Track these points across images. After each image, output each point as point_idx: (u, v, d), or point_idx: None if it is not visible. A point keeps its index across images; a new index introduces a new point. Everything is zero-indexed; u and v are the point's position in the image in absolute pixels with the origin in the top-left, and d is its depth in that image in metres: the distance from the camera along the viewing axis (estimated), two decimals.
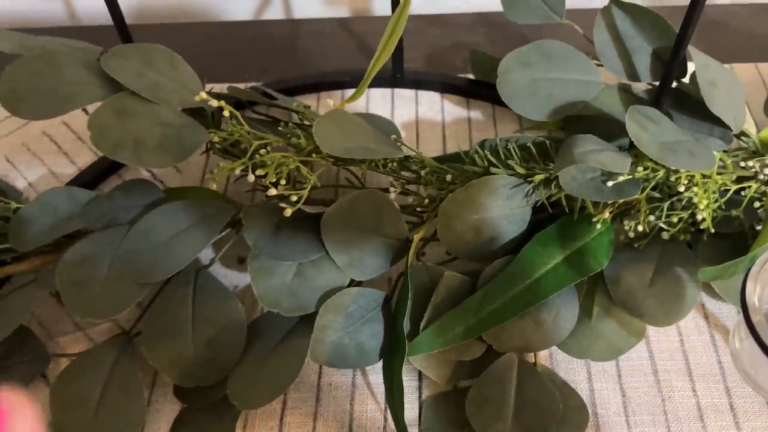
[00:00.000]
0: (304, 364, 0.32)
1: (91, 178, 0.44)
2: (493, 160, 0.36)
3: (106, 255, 0.34)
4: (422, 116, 0.48)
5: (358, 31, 0.55)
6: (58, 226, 0.37)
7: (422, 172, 0.36)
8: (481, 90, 0.49)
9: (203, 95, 0.33)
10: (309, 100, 0.50)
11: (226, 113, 0.33)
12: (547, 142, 0.37)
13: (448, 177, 0.37)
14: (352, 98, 0.37)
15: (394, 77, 0.49)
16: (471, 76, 0.50)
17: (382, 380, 0.36)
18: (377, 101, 0.49)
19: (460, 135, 0.47)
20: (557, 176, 0.34)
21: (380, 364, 0.35)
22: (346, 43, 0.54)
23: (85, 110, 0.50)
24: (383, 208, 0.34)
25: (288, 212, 0.32)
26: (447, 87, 0.50)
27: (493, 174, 0.35)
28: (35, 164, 0.46)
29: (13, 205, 0.38)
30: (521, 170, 0.35)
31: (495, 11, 0.56)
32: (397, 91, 0.50)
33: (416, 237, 0.35)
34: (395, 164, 0.37)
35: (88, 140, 0.47)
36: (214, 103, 0.33)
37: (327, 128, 0.33)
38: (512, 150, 0.36)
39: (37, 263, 0.38)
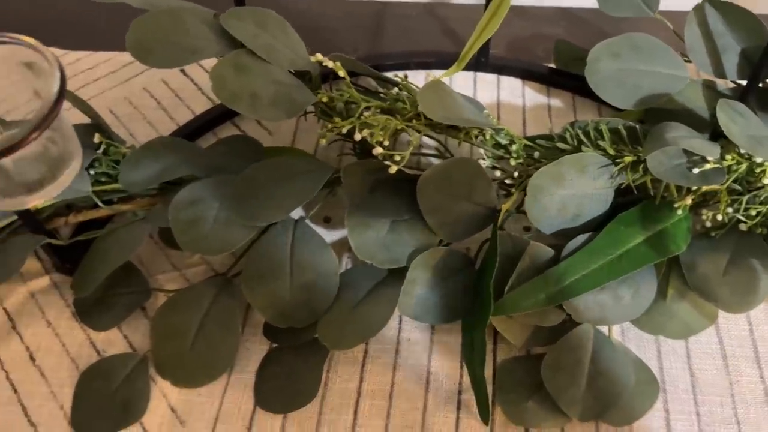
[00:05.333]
0: (393, 312, 0.34)
1: (188, 132, 0.47)
2: (584, 139, 0.37)
3: (215, 199, 0.37)
4: (504, 100, 0.50)
5: (442, 15, 0.57)
6: (165, 171, 0.40)
7: (512, 147, 0.38)
8: (562, 79, 0.51)
9: (320, 57, 0.36)
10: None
11: (341, 74, 0.35)
12: (638, 127, 0.38)
13: (536, 154, 0.38)
14: (449, 73, 0.39)
15: (478, 61, 0.51)
16: (552, 66, 0.52)
17: (457, 340, 0.38)
18: (460, 83, 0.51)
19: (540, 121, 0.48)
20: (644, 160, 0.35)
21: (457, 325, 0.37)
22: (430, 26, 0.56)
23: (182, 71, 0.52)
24: (476, 176, 0.36)
25: (393, 170, 0.34)
26: (529, 74, 0.51)
27: (583, 152, 0.36)
28: (136, 117, 0.49)
29: (123, 149, 0.41)
30: (611, 151, 0.36)
31: (575, 6, 0.57)
32: (480, 74, 0.51)
33: (504, 206, 0.37)
34: (486, 137, 0.38)
35: (186, 98, 0.51)
36: (330, 64, 0.35)
37: (430, 96, 0.36)
38: (603, 131, 0.37)
39: (142, 204, 0.41)
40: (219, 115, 0.48)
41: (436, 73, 0.51)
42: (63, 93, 0.27)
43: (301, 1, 0.59)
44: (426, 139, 0.46)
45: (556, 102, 0.50)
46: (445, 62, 0.52)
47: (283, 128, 0.48)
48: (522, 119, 0.49)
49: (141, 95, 0.50)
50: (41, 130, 0.26)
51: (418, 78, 0.44)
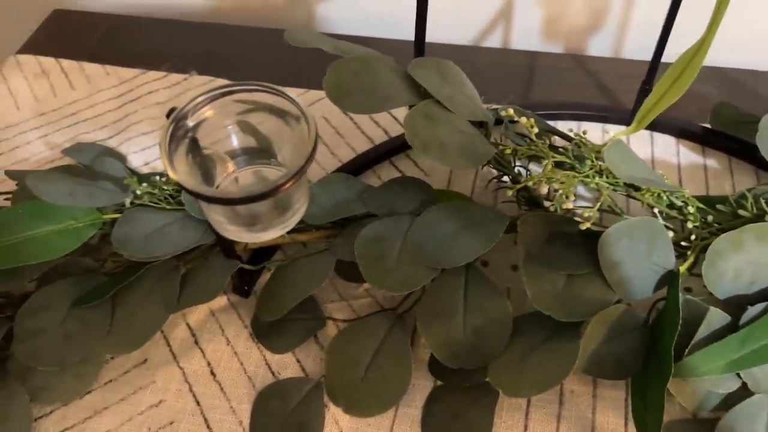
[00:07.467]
0: (572, 367, 0.34)
1: (352, 169, 0.50)
2: (766, 209, 0.37)
3: (396, 238, 0.39)
4: (658, 157, 0.50)
5: (592, 68, 0.58)
6: (342, 206, 0.42)
7: (688, 209, 0.38)
8: (717, 140, 0.51)
9: (511, 111, 0.38)
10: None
11: (534, 131, 0.37)
12: None
13: (710, 217, 0.39)
14: (627, 133, 0.40)
15: (632, 115, 0.52)
16: (704, 125, 0.52)
17: (620, 395, 0.38)
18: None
19: (697, 180, 0.48)
20: None
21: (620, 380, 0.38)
22: (580, 78, 0.58)
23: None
24: (658, 237, 0.36)
25: (584, 226, 0.35)
26: (683, 132, 0.51)
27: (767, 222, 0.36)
28: None
29: None
30: None
31: (729, 66, 0.57)
32: None
33: (681, 268, 0.37)
34: (663, 198, 0.39)
35: (345, 135, 0.53)
36: (524, 121, 0.37)
37: (616, 155, 0.37)
38: None
39: (316, 236, 0.43)
40: (378, 156, 0.51)
41: (584, 126, 0.52)
42: (316, 148, 0.29)
43: (448, 48, 0.62)
44: (584, 193, 0.47)
45: (712, 162, 0.50)
46: (598, 116, 0.53)
47: (439, 169, 0.50)
48: (678, 177, 0.49)
49: None
50: (297, 179, 0.28)
51: (565, 128, 0.45)
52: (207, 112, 0.30)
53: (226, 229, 0.32)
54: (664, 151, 0.51)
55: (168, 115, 0.28)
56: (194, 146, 0.30)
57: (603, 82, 0.57)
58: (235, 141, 0.32)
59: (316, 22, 0.68)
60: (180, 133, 0.29)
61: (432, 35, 0.62)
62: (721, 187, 0.48)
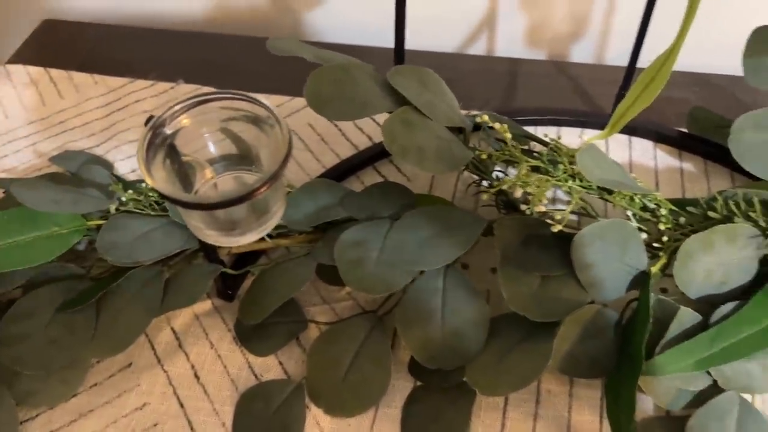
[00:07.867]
0: (546, 366, 0.35)
1: (336, 175, 0.50)
2: (735, 210, 0.38)
3: (375, 242, 0.40)
4: (635, 161, 0.51)
5: (573, 74, 0.59)
6: (324, 211, 0.43)
7: (661, 212, 0.39)
8: (693, 144, 0.52)
9: (486, 117, 0.38)
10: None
11: (508, 136, 0.38)
12: None
13: (682, 219, 0.40)
14: (601, 137, 0.41)
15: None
16: (682, 130, 0.53)
17: (595, 394, 0.39)
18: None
19: (674, 184, 0.49)
20: None
21: (595, 380, 0.39)
22: (561, 84, 0.59)
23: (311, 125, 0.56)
24: (629, 239, 0.37)
25: (556, 228, 0.36)
26: (660, 137, 0.52)
27: (736, 223, 0.37)
28: None
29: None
30: (763, 223, 0.37)
31: (707, 72, 0.58)
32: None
33: (654, 269, 0.38)
34: (635, 200, 0.40)
35: (330, 142, 0.54)
36: (497, 126, 0.38)
37: (588, 159, 0.37)
38: (755, 204, 0.38)
39: (298, 240, 0.44)
40: (361, 161, 0.52)
41: (564, 131, 0.53)
42: (290, 153, 0.30)
43: (433, 56, 0.63)
44: (563, 196, 0.48)
45: (688, 166, 0.51)
46: (577, 121, 0.54)
47: (421, 174, 0.51)
48: (655, 181, 0.50)
49: None
50: (272, 183, 0.29)
51: (547, 133, 0.46)
52: (184, 120, 0.31)
53: (206, 234, 0.33)
54: (642, 155, 0.52)
55: (146, 123, 0.29)
56: (172, 153, 0.30)
57: (584, 88, 0.58)
58: (214, 148, 0.33)
59: (303, 30, 0.69)
60: (158, 140, 0.30)
61: (417, 43, 0.63)
62: (697, 190, 0.49)
